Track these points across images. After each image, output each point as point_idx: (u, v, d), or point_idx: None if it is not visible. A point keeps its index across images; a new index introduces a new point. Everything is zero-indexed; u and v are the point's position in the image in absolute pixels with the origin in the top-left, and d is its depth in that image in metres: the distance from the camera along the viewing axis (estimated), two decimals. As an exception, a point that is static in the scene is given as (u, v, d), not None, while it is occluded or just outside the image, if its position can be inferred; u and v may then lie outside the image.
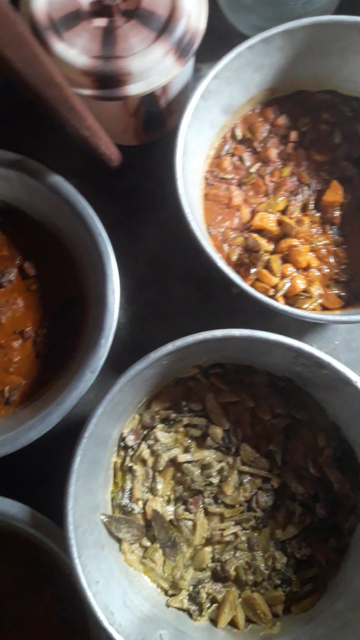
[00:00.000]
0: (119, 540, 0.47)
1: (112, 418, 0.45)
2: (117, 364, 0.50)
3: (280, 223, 0.51)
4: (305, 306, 0.49)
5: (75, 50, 0.43)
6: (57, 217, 0.51)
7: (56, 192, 0.49)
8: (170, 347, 0.43)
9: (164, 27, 0.43)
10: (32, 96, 0.38)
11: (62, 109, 0.40)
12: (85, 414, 0.42)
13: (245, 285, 0.45)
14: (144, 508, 0.48)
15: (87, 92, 0.44)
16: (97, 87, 0.44)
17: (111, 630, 0.40)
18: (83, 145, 0.46)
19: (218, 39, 0.55)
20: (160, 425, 0.50)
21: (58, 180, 0.49)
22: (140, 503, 0.49)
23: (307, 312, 0.46)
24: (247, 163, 0.54)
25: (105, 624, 0.40)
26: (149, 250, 0.57)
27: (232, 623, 0.47)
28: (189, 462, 0.49)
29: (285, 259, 0.51)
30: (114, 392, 0.42)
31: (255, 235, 0.51)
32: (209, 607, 0.47)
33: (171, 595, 0.47)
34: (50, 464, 0.47)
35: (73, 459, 0.42)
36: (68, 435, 0.42)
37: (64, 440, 0.42)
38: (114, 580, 0.44)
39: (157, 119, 0.53)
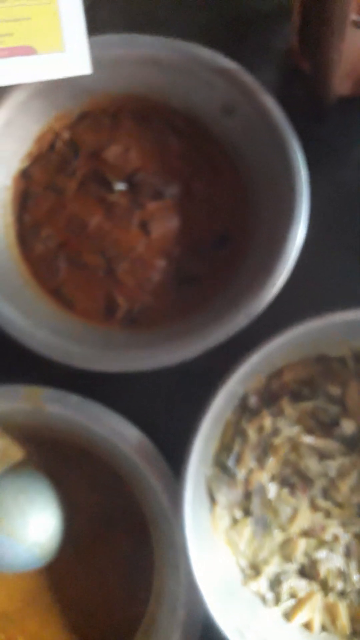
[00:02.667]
0: (213, 500, 0.43)
1: (240, 377, 0.41)
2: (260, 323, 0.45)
3: None
4: None
5: None
6: (247, 141, 0.46)
7: (262, 114, 0.44)
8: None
9: None
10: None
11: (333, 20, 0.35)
12: (207, 365, 0.39)
13: None
14: (246, 476, 0.44)
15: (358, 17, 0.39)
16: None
17: (203, 588, 0.37)
18: (314, 68, 0.42)
19: None
20: (287, 398, 0.45)
21: (269, 102, 0.44)
22: (244, 471, 0.44)
23: None
24: None
25: (199, 580, 0.37)
26: (321, 211, 0.51)
27: (305, 624, 0.43)
28: (309, 446, 0.44)
29: None
30: (257, 355, 0.38)
31: None
32: (286, 600, 0.43)
33: (248, 576, 0.43)
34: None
35: (204, 416, 0.38)
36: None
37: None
38: (206, 539, 0.40)
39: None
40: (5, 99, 0.43)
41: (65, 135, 0.48)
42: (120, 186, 0.47)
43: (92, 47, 0.44)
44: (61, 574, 0.43)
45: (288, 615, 0.43)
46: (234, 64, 0.44)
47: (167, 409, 0.46)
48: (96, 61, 0.44)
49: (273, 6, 0.55)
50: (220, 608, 0.38)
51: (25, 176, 0.47)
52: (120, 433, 0.40)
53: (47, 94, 0.45)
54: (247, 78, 0.44)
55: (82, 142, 0.48)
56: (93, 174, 0.48)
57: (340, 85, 0.50)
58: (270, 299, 0.42)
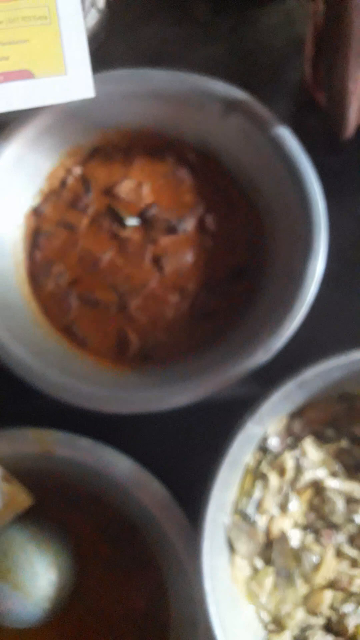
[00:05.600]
0: (232, 549, 0.41)
1: (260, 417, 0.39)
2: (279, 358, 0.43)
3: None
4: None
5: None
6: (262, 174, 0.45)
7: (276, 145, 0.43)
8: None
9: None
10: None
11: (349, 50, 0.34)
12: (225, 403, 0.38)
13: None
14: (268, 524, 0.42)
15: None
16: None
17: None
18: (329, 99, 0.40)
19: None
20: (310, 439, 0.43)
21: (284, 132, 0.43)
22: (265, 518, 0.42)
23: None
24: None
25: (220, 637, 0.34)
26: (340, 242, 0.50)
27: None
28: (334, 490, 0.42)
29: None
30: (278, 394, 0.36)
31: None
32: (313, 660, 0.40)
33: (271, 631, 0.40)
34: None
35: (221, 461, 0.37)
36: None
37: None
38: (225, 592, 0.38)
39: None
40: (16, 136, 0.43)
41: (77, 171, 0.47)
42: (132, 221, 0.47)
43: (104, 83, 0.44)
44: (71, 630, 0.41)
45: (315, 675, 0.40)
46: (247, 95, 0.44)
47: (183, 452, 0.44)
48: (107, 96, 0.44)
49: (285, 39, 0.55)
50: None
51: (36, 213, 0.47)
52: (133, 479, 0.38)
53: (57, 130, 0.44)
54: (260, 109, 0.43)
55: (94, 178, 0.47)
56: (105, 210, 0.47)
57: (357, 115, 0.49)
58: (289, 335, 0.40)
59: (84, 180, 0.47)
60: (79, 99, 0.40)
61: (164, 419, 0.42)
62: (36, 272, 0.46)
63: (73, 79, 0.39)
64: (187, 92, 0.44)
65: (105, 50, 0.54)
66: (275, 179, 0.44)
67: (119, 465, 0.38)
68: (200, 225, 0.47)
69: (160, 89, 0.44)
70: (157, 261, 0.46)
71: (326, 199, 0.51)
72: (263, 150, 0.44)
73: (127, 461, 0.39)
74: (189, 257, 0.46)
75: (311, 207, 0.42)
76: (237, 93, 0.44)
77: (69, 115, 0.44)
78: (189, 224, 0.47)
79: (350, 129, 0.44)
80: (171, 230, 0.47)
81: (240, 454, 0.40)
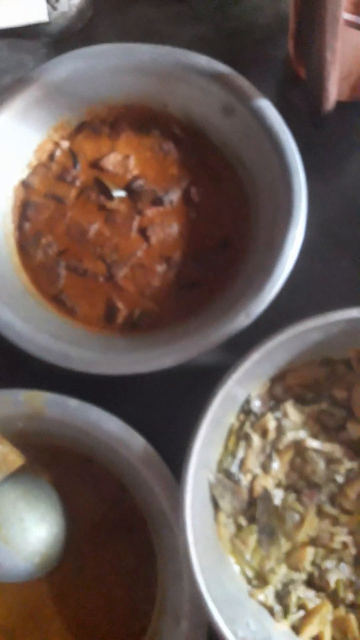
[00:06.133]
0: (216, 507, 0.42)
1: (242, 378, 0.40)
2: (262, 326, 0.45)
3: None
4: None
5: None
6: (245, 145, 0.46)
7: (259, 117, 0.44)
8: (355, 313, 0.38)
9: None
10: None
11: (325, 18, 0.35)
12: (208, 367, 0.37)
13: None
14: (251, 483, 0.43)
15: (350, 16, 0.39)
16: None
17: (209, 602, 0.35)
18: (308, 70, 0.42)
19: None
20: (291, 401, 0.44)
21: (266, 105, 0.44)
22: (249, 476, 0.43)
23: None
24: None
25: (204, 592, 0.35)
26: (319, 215, 0.51)
27: (316, 637, 0.41)
28: (316, 450, 0.43)
29: None
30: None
31: None
32: (295, 613, 0.41)
33: (255, 586, 0.42)
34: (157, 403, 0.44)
35: (203, 416, 0.38)
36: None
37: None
38: (208, 543, 0.39)
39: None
40: (4, 109, 0.44)
41: (65, 145, 0.48)
42: (119, 193, 0.48)
43: (90, 57, 0.45)
44: (62, 585, 0.42)
45: (297, 628, 0.41)
46: (230, 68, 0.45)
47: (169, 413, 0.45)
48: (94, 71, 0.45)
49: (270, 17, 0.56)
50: (225, 618, 0.36)
51: (25, 186, 0.48)
52: (121, 438, 0.39)
53: (45, 104, 0.45)
54: (243, 82, 0.44)
55: (82, 151, 0.48)
56: (93, 182, 0.48)
57: (338, 90, 0.51)
58: (270, 300, 0.41)
59: (72, 154, 0.48)
60: (33, 22, 0.39)
61: (152, 381, 0.43)
62: (25, 242, 0.47)
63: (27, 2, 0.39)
64: (171, 65, 0.45)
65: (92, 28, 0.55)
66: (259, 151, 0.45)
67: (107, 424, 0.40)
68: (186, 197, 0.48)
69: (146, 63, 0.45)
70: (143, 232, 0.48)
71: (310, 173, 0.52)
72: (246, 123, 0.45)
73: (115, 420, 0.40)
74: (174, 228, 0.48)
75: (292, 176, 0.43)
76: (220, 67, 0.45)
77: (56, 89, 0.45)
78: (174, 196, 0.48)
79: (330, 101, 0.45)
80: (157, 201, 0.48)
81: (223, 414, 0.41)
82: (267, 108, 0.44)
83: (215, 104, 0.46)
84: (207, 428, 0.38)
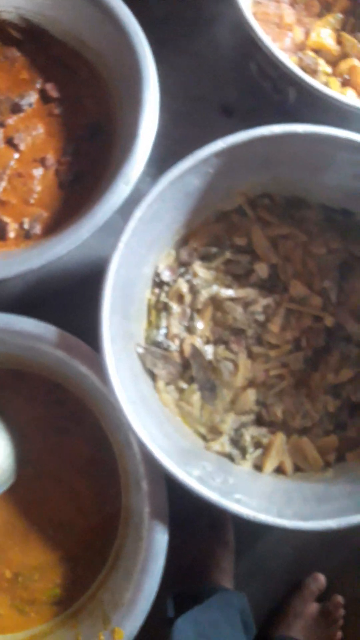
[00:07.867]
0: (153, 377, 0.43)
1: (144, 243, 0.40)
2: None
3: (339, 42, 0.46)
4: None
5: None
6: (88, 32, 0.46)
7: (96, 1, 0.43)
8: (220, 144, 0.38)
9: None
10: None
11: None
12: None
13: (312, 80, 0.39)
14: (181, 346, 0.44)
15: None
16: None
17: (153, 448, 0.36)
18: None
19: None
20: (198, 262, 0.45)
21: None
22: (177, 341, 0.44)
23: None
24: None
25: (147, 441, 0.36)
26: (184, 82, 0.51)
27: (279, 470, 0.43)
28: (231, 299, 0.44)
29: (345, 83, 0.46)
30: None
31: (312, 53, 0.46)
32: (252, 452, 0.43)
33: (209, 440, 0.43)
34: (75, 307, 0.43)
35: (106, 274, 0.37)
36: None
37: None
38: (150, 410, 0.40)
39: None
40: None
41: None
42: (-25, 110, 0.46)
43: None
44: (29, 495, 0.42)
45: (259, 467, 0.43)
46: None
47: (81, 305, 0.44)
48: None
49: None
50: (177, 462, 0.36)
51: None
52: (36, 333, 0.39)
53: None
54: None
55: None
56: None
57: None
58: (143, 163, 0.41)
59: None
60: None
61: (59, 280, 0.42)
62: None
63: None
64: None
65: None
66: (100, 36, 0.45)
67: (20, 325, 0.39)
68: (43, 96, 0.47)
69: None
70: (11, 142, 0.46)
71: (164, 46, 0.52)
72: (79, 8, 0.44)
73: (27, 320, 0.39)
74: (40, 129, 0.47)
75: (138, 54, 0.42)
76: None
77: None
78: (31, 98, 0.47)
79: None
80: (16, 108, 0.47)
81: (136, 290, 0.41)
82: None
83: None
84: (115, 295, 0.37)
